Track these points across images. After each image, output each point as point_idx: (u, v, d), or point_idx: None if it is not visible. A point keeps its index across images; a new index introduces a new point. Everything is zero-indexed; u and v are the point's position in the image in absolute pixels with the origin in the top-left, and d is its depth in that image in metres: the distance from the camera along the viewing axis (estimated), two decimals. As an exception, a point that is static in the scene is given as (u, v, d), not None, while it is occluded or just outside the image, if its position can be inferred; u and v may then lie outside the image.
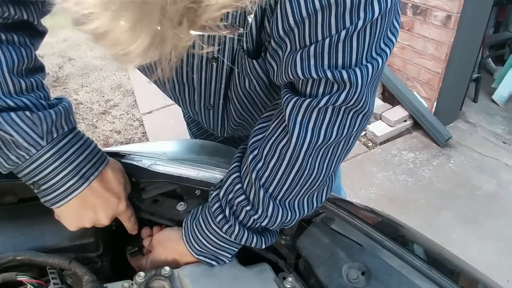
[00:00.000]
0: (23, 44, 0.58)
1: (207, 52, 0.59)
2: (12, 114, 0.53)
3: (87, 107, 3.23)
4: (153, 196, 0.72)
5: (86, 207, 0.61)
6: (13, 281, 0.55)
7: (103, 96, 3.41)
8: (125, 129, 2.95)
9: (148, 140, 2.82)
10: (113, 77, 3.71)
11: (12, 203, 0.70)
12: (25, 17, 0.57)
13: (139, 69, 0.70)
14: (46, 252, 0.59)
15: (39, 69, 0.62)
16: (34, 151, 0.56)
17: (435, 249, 0.75)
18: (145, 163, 0.72)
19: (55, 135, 0.57)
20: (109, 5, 0.29)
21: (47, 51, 4.29)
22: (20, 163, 0.56)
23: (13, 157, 0.56)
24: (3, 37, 0.55)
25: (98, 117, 3.10)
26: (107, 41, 0.32)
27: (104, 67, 3.92)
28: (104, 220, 0.63)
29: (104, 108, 3.23)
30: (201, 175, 0.71)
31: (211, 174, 0.71)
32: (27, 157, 0.56)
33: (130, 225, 0.69)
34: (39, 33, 0.63)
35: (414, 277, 0.59)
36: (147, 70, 0.68)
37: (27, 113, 0.54)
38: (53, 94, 3.50)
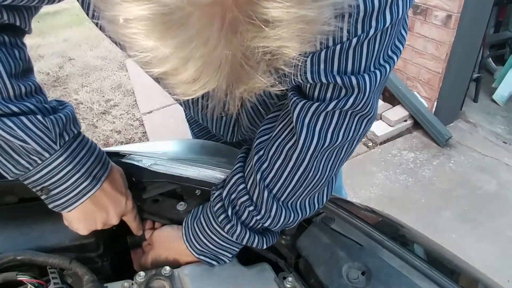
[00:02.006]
0: (15, 45, 0.56)
1: None
2: (23, 118, 0.52)
3: (87, 107, 3.23)
4: (153, 196, 0.72)
5: (98, 208, 0.61)
6: (13, 281, 0.56)
7: (103, 96, 3.41)
8: (125, 129, 2.95)
9: (148, 140, 2.82)
10: (113, 77, 3.71)
11: (12, 203, 0.70)
12: (18, 22, 0.55)
13: (183, 103, 0.69)
14: (47, 252, 0.59)
15: (31, 70, 0.60)
16: (47, 155, 0.54)
17: (435, 249, 0.75)
18: (145, 163, 0.72)
19: (66, 139, 0.56)
20: (180, 51, 0.29)
21: (47, 51, 4.30)
22: (31, 168, 0.54)
23: (23, 162, 0.54)
24: None
25: (98, 117, 3.10)
26: (172, 81, 0.32)
27: (104, 67, 3.93)
28: (114, 219, 0.63)
29: (104, 108, 3.23)
30: (201, 175, 0.71)
31: (212, 174, 0.71)
32: (39, 162, 0.54)
33: (135, 225, 0.69)
34: (25, 34, 0.61)
35: (414, 277, 0.59)
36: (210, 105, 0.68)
37: (39, 117, 0.53)
38: (54, 94, 3.50)
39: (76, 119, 0.60)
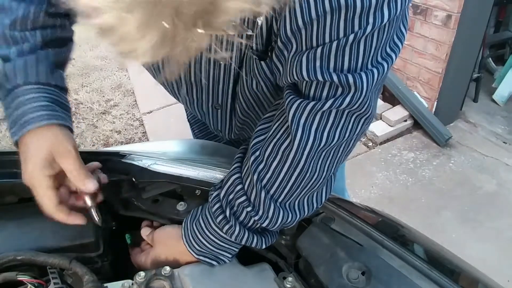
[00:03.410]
0: (35, 1, 0.60)
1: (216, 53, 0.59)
2: None
3: (87, 107, 3.23)
4: (153, 196, 0.72)
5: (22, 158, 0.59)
6: (13, 281, 0.56)
7: (103, 96, 3.41)
8: (125, 129, 2.95)
9: (148, 140, 2.82)
10: (113, 77, 3.71)
11: (12, 203, 0.70)
12: None
13: (146, 69, 0.69)
14: (47, 252, 0.59)
15: (46, 26, 0.63)
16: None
17: (435, 249, 0.75)
18: (145, 163, 0.72)
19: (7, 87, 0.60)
20: (119, 2, 0.29)
21: (47, 51, 4.29)
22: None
23: None
24: None
25: (98, 117, 3.10)
26: (113, 36, 0.31)
27: (104, 67, 3.93)
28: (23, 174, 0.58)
29: (104, 108, 3.23)
30: (201, 175, 0.71)
31: (211, 174, 0.71)
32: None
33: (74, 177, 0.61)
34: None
35: (414, 277, 0.59)
36: (154, 70, 0.67)
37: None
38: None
39: (22, 71, 0.60)
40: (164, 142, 0.95)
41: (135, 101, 3.30)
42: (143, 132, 2.92)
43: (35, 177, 0.57)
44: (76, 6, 0.30)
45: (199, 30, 0.31)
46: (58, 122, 0.59)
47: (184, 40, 0.32)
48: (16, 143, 0.59)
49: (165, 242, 0.66)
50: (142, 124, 3.00)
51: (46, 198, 0.57)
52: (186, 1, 0.29)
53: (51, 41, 0.64)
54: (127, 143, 2.80)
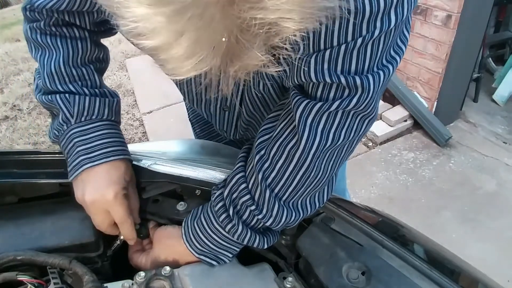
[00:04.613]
0: (79, 37, 0.67)
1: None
2: (57, 95, 0.64)
3: (87, 107, 3.23)
4: (153, 196, 0.72)
5: (82, 187, 0.62)
6: (13, 281, 0.56)
7: (103, 96, 3.40)
8: (125, 129, 2.95)
9: (148, 140, 2.82)
10: (113, 77, 3.71)
11: (12, 203, 0.70)
12: (77, 22, 0.66)
13: (179, 84, 0.71)
14: (47, 252, 0.59)
15: (97, 58, 0.70)
16: (65, 127, 0.64)
17: (435, 249, 0.75)
18: (145, 163, 0.72)
19: (82, 119, 0.64)
20: (174, 22, 0.28)
21: (47, 51, 4.29)
22: (58, 135, 0.65)
23: (54, 130, 0.65)
24: (62, 31, 0.65)
25: (98, 117, 3.10)
26: (164, 56, 0.31)
27: (104, 67, 3.92)
28: (88, 203, 0.62)
29: (104, 108, 3.23)
30: (201, 175, 0.71)
31: (212, 174, 0.71)
32: (61, 131, 0.64)
33: (125, 232, 0.66)
34: (86, 30, 0.68)
35: (414, 277, 0.59)
36: (205, 86, 0.69)
37: (67, 95, 0.64)
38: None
39: (104, 108, 0.66)
40: (164, 142, 0.95)
41: (135, 101, 3.30)
42: (143, 132, 2.92)
43: (119, 198, 0.63)
44: (132, 28, 0.29)
45: (258, 48, 0.32)
46: (127, 157, 0.68)
47: (243, 58, 0.33)
48: (82, 170, 0.63)
49: (165, 242, 0.66)
50: (142, 124, 2.99)
51: (128, 217, 0.64)
52: (250, 22, 0.29)
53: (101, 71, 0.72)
54: (127, 143, 2.79)
